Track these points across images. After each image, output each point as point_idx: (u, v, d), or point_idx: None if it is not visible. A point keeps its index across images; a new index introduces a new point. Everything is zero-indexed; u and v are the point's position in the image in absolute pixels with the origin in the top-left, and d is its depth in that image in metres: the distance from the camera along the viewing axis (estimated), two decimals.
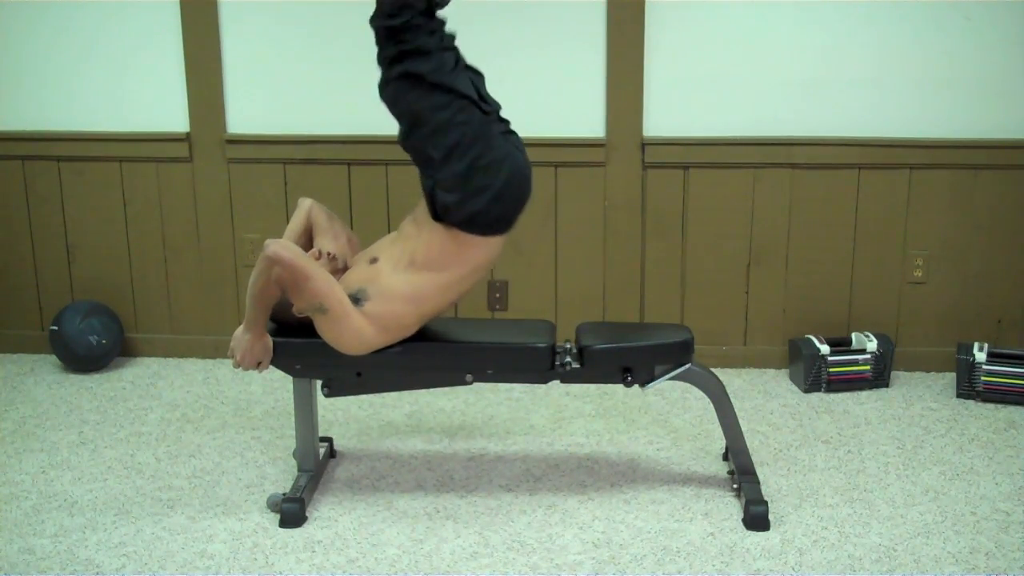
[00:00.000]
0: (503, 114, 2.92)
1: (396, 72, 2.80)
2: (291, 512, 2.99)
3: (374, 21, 2.81)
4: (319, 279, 2.82)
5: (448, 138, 2.79)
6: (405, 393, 3.89)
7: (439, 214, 2.88)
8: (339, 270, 3.00)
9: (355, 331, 2.87)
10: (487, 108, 2.85)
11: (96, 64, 4.10)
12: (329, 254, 3.01)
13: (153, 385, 4.05)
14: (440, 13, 2.83)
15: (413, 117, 2.83)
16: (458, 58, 2.85)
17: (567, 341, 3.12)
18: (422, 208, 2.96)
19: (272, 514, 3.04)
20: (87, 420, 3.72)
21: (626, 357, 3.04)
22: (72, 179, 4.20)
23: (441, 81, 2.78)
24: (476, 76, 2.89)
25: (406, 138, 2.89)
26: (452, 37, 2.86)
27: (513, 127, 2.94)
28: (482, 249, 2.91)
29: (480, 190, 2.81)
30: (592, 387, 3.94)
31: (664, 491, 3.18)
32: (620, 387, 3.36)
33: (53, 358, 4.25)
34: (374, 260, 2.97)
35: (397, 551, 2.87)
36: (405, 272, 2.89)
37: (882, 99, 3.96)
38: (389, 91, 2.86)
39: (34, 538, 2.93)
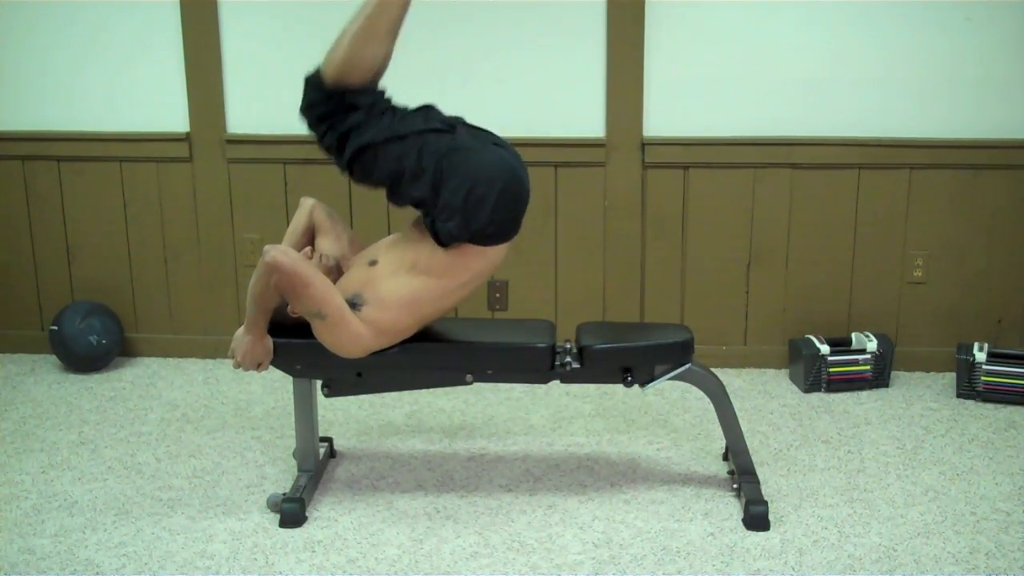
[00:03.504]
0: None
1: (348, 153, 2.84)
2: (291, 512, 2.99)
3: (302, 112, 2.90)
4: (318, 286, 2.82)
5: (426, 174, 2.79)
6: (405, 393, 3.89)
7: (445, 242, 2.84)
8: (332, 269, 3.00)
9: (353, 336, 2.86)
10: (445, 128, 2.85)
11: (96, 64, 4.10)
12: (322, 255, 3.01)
13: (153, 385, 4.05)
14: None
15: (387, 177, 2.85)
16: (395, 110, 2.87)
17: (567, 341, 3.11)
18: None
19: (272, 514, 3.04)
20: (87, 420, 3.72)
21: (626, 357, 3.04)
22: (72, 179, 4.20)
23: (392, 135, 2.80)
24: (422, 111, 2.89)
25: (392, 195, 2.89)
26: (383, 97, 2.88)
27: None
28: (485, 258, 2.90)
29: (477, 205, 2.78)
30: (592, 387, 3.94)
31: (664, 491, 3.18)
32: (620, 387, 3.35)
33: (53, 358, 4.25)
34: (373, 263, 2.96)
35: (397, 551, 2.87)
36: (405, 275, 2.88)
37: (882, 99, 3.95)
38: (357, 172, 2.89)
39: (34, 538, 2.93)
